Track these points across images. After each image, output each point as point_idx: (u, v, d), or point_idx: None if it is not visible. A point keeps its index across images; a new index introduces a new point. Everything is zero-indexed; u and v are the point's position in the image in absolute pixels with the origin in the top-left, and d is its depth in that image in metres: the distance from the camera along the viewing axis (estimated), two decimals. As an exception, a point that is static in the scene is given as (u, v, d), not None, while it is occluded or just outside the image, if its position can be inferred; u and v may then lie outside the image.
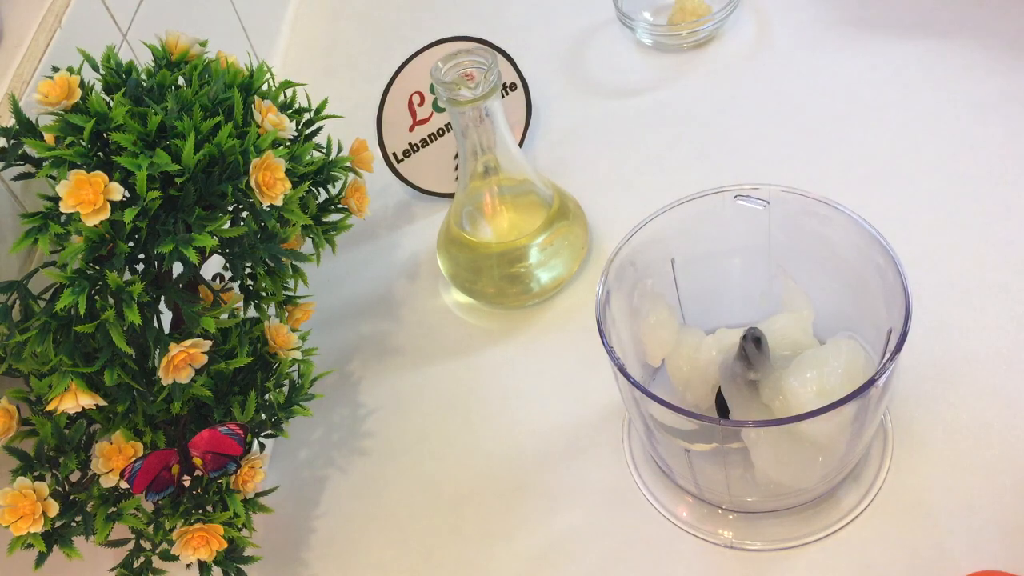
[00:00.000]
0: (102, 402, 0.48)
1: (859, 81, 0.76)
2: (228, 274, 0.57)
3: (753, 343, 0.51)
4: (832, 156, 0.71)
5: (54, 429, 0.49)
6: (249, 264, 0.52)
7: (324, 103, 0.60)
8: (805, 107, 0.76)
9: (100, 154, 0.48)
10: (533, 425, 0.62)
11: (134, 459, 0.49)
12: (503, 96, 0.76)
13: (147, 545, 0.52)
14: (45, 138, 0.48)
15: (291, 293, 0.61)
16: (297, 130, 0.59)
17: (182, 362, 0.48)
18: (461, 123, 0.62)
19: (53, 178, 0.46)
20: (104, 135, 0.48)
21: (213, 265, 0.70)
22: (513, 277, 0.68)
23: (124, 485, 0.49)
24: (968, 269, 0.62)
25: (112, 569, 0.52)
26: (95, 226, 0.45)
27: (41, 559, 0.48)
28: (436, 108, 0.74)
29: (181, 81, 0.53)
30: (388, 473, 0.62)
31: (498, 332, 0.69)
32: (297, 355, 0.57)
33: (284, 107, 0.58)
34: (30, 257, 0.55)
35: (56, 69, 0.50)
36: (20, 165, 0.49)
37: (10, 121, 0.49)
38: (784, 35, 0.82)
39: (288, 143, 0.53)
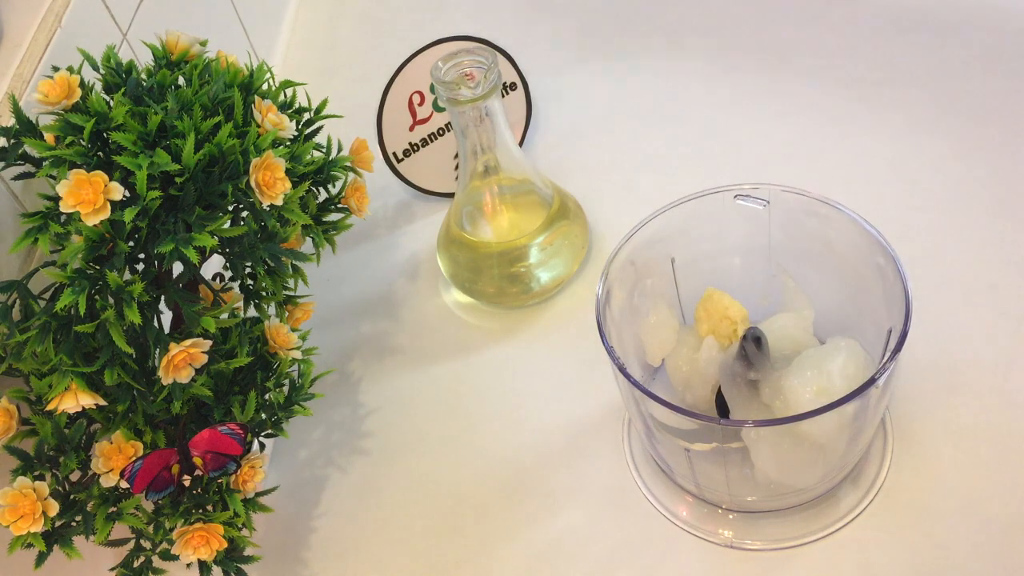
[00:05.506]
0: (102, 402, 0.48)
1: (860, 81, 0.76)
2: (228, 274, 0.57)
3: (753, 343, 0.51)
4: (832, 156, 0.71)
5: (54, 429, 0.49)
6: (249, 264, 0.52)
7: (324, 103, 0.60)
8: (806, 107, 0.75)
9: (100, 154, 0.48)
10: (533, 425, 0.62)
11: (134, 459, 0.49)
12: (503, 96, 0.76)
13: (147, 545, 0.53)
14: (45, 138, 0.48)
15: (291, 293, 0.61)
16: (297, 130, 0.59)
17: (182, 362, 0.48)
18: (461, 123, 0.62)
19: (53, 178, 0.46)
20: (104, 135, 0.48)
21: (213, 265, 0.70)
22: (513, 277, 0.68)
23: (124, 485, 0.49)
24: (968, 269, 0.62)
25: (112, 569, 0.52)
26: (95, 226, 0.45)
27: (41, 559, 0.48)
28: (436, 108, 0.74)
29: (181, 81, 0.53)
30: (388, 473, 0.62)
31: (498, 332, 0.68)
32: (297, 355, 0.57)
33: (284, 107, 0.58)
34: (30, 257, 0.55)
35: (56, 69, 0.50)
36: (20, 165, 0.49)
37: (10, 121, 0.49)
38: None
39: (288, 143, 0.53)
